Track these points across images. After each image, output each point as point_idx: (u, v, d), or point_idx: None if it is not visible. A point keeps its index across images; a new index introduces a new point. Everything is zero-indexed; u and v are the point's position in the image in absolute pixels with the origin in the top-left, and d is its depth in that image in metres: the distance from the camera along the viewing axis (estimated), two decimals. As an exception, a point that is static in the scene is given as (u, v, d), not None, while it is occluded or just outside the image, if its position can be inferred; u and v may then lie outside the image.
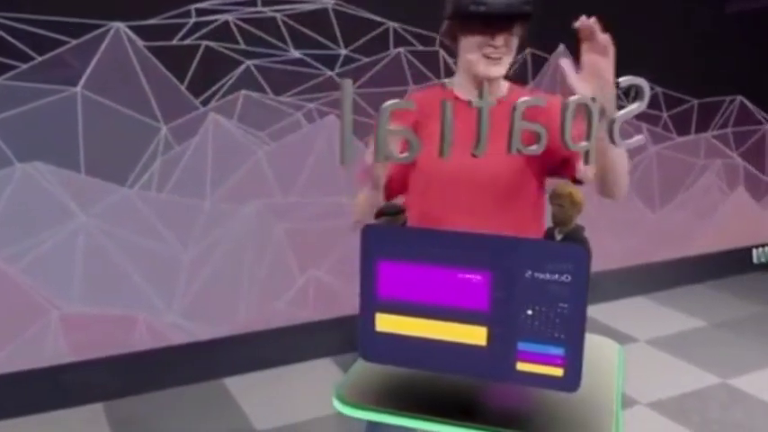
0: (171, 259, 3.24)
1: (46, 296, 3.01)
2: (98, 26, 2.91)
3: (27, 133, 2.86)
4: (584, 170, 1.91)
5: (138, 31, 2.97)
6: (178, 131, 3.14)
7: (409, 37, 3.57)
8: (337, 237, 3.49)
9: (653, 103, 4.43)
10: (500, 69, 1.62)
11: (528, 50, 3.91)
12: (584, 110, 1.03)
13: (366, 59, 3.48)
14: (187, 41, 3.08)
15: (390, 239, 0.84)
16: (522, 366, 0.81)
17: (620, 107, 1.13)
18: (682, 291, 4.72)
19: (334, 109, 3.45)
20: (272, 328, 3.49)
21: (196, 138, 3.18)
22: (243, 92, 3.24)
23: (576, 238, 1.02)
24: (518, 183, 1.68)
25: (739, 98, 4.83)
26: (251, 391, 3.31)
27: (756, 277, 5.06)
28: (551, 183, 1.10)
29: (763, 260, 5.17)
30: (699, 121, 4.69)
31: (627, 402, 3.25)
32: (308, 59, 3.35)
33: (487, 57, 1.62)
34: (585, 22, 1.34)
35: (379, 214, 1.09)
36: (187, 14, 3.06)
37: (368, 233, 0.84)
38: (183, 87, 3.11)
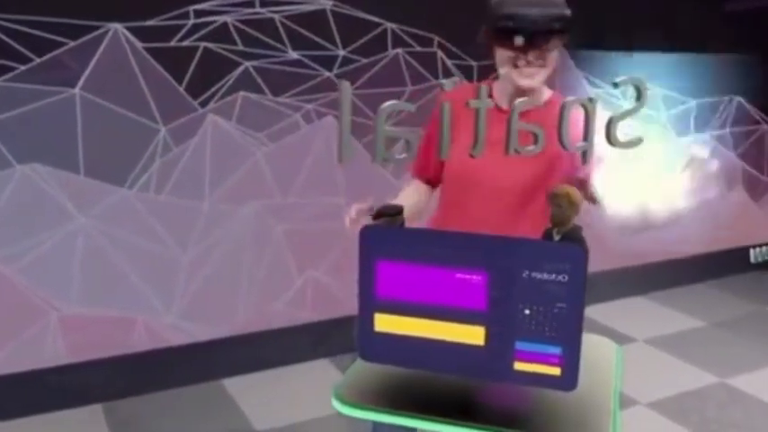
0: (170, 260, 3.24)
1: (45, 297, 3.02)
2: (96, 27, 2.91)
3: (26, 135, 2.86)
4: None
5: (136, 32, 2.97)
6: (177, 133, 3.14)
7: (407, 38, 3.57)
8: (336, 237, 3.49)
9: (651, 104, 4.44)
10: (533, 81, 1.63)
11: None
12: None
13: (364, 60, 3.49)
14: (186, 43, 3.08)
15: (389, 240, 0.84)
16: (519, 366, 0.81)
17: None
18: (680, 291, 4.72)
19: (333, 110, 3.45)
20: (271, 328, 3.49)
21: (195, 139, 3.19)
22: (241, 93, 3.24)
23: (573, 239, 1.03)
24: (537, 191, 1.68)
25: (737, 98, 4.84)
26: (250, 391, 3.31)
27: (755, 277, 5.07)
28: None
29: (760, 260, 5.17)
30: (697, 121, 4.69)
31: (626, 402, 3.26)
32: (307, 60, 3.35)
33: (520, 69, 1.64)
34: None
35: (378, 215, 1.09)
36: (186, 16, 3.06)
37: (366, 234, 0.85)
38: (181, 89, 3.11)
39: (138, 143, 3.08)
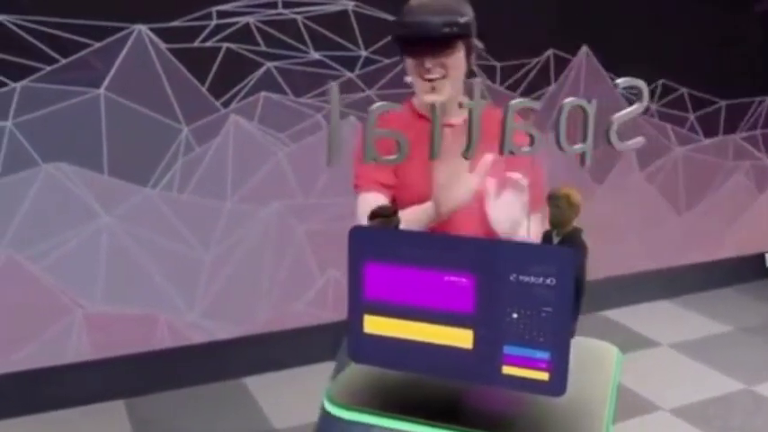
0: (192, 260, 3.27)
1: (70, 295, 3.07)
2: (121, 29, 2.95)
3: (51, 134, 2.91)
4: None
5: (160, 33, 3.01)
6: (199, 133, 3.17)
7: (430, 38, 3.56)
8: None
9: (679, 105, 4.38)
10: (439, 96, 1.60)
11: (550, 51, 3.88)
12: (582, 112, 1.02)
13: (386, 61, 3.48)
14: (208, 44, 3.11)
15: (377, 241, 0.84)
16: (507, 370, 0.80)
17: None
18: (708, 295, 4.64)
19: (355, 110, 3.45)
20: (292, 328, 3.51)
21: (217, 139, 3.22)
22: (263, 93, 3.26)
23: (573, 241, 1.02)
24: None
25: (768, 99, 4.74)
26: (270, 390, 3.33)
27: (786, 281, 4.96)
28: (549, 184, 1.10)
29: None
30: (727, 123, 4.61)
31: (649, 408, 3.22)
32: (328, 61, 3.36)
33: (424, 79, 1.62)
34: None
35: (373, 216, 1.09)
36: (208, 17, 3.09)
37: (355, 235, 0.85)
38: (204, 89, 3.14)
39: (161, 143, 3.12)
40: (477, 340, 0.81)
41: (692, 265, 4.65)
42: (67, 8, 2.84)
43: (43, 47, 2.84)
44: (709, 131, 4.55)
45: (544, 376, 0.78)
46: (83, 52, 2.91)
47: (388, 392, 0.89)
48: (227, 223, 3.30)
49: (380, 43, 3.45)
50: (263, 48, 3.21)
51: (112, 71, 2.97)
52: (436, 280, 0.81)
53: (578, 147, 0.99)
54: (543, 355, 0.78)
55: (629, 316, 4.22)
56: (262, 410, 3.16)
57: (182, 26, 3.05)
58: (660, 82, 4.26)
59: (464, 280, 0.80)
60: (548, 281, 0.76)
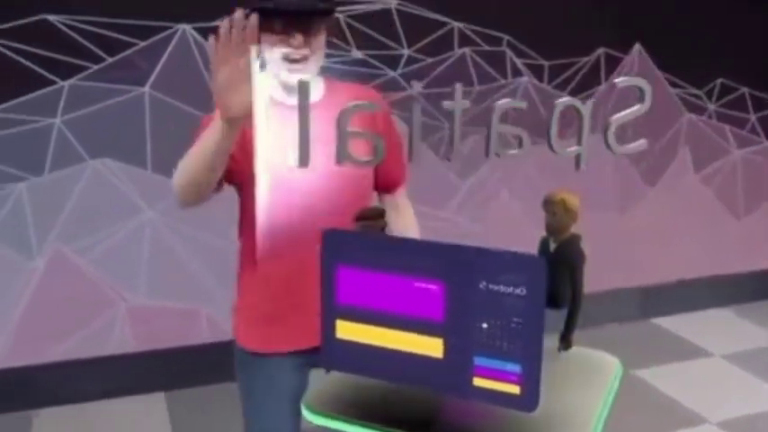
0: (233, 255, 3.30)
1: (114, 288, 3.14)
2: (166, 28, 3.00)
3: (98, 131, 2.99)
4: (401, 195, 1.85)
5: (203, 32, 3.05)
6: (241, 130, 3.20)
7: (475, 37, 3.51)
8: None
9: (739, 105, 4.20)
10: (304, 76, 1.46)
11: (601, 50, 3.78)
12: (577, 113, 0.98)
13: (430, 60, 3.45)
14: (251, 42, 3.13)
15: (351, 245, 0.83)
16: (478, 382, 0.77)
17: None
18: (766, 304, 4.44)
19: (397, 110, 3.43)
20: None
21: (259, 137, 3.24)
22: (305, 92, 3.27)
23: (570, 249, 0.97)
24: (353, 199, 1.52)
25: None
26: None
27: None
28: (545, 189, 1.05)
29: None
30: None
31: (695, 420, 3.10)
32: (371, 60, 3.35)
33: (288, 59, 1.50)
34: None
35: (358, 218, 1.07)
36: (251, 16, 3.11)
37: (328, 238, 0.83)
38: (246, 87, 3.17)
39: (204, 141, 3.15)
40: (447, 350, 0.78)
41: (750, 273, 4.46)
42: (115, 8, 2.91)
43: (91, 46, 2.91)
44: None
45: (515, 390, 0.75)
46: (128, 51, 2.97)
47: (365, 400, 0.87)
48: (268, 221, 3.32)
49: (424, 42, 3.42)
50: (305, 46, 3.22)
51: (157, 70, 3.02)
52: (407, 286, 0.78)
53: (573, 149, 0.95)
54: (514, 367, 0.75)
55: (680, 324, 4.08)
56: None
57: (225, 25, 3.08)
58: (718, 81, 4.10)
59: (434, 287, 0.77)
60: (518, 290, 0.73)
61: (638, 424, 3.01)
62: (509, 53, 3.59)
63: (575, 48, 3.72)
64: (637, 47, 3.84)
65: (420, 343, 0.80)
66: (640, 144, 1.00)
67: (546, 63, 3.68)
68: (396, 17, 3.34)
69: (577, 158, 0.95)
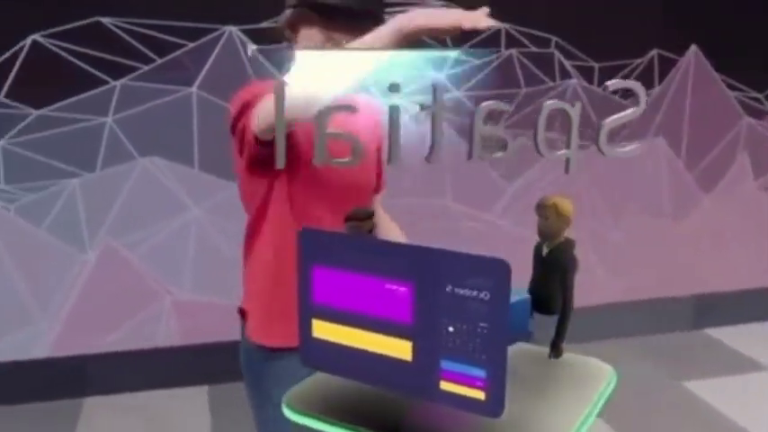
0: (276, 254, 3.36)
1: (161, 282, 3.23)
2: (213, 30, 3.07)
3: (147, 130, 3.08)
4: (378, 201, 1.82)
5: (249, 34, 3.11)
6: (286, 131, 3.25)
7: (523, 38, 3.47)
8: (444, 237, 3.46)
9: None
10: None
11: (654, 51, 3.68)
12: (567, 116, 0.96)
13: (477, 62, 3.43)
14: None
15: (326, 245, 0.83)
16: (445, 386, 0.77)
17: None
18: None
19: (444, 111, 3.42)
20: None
21: (303, 137, 3.28)
22: (350, 93, 3.29)
23: (562, 254, 0.95)
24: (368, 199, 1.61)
25: None
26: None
27: None
28: (541, 193, 1.03)
29: None
30: None
31: (743, 435, 2.99)
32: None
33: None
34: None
35: (347, 219, 1.07)
36: (297, 18, 3.15)
37: (303, 237, 0.84)
38: (291, 88, 3.21)
39: (249, 140, 3.21)
40: (415, 352, 0.78)
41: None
42: (164, 11, 2.99)
43: (141, 47, 3.01)
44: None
45: (480, 395, 0.74)
46: (177, 52, 3.05)
47: (345, 400, 0.88)
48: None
49: (471, 43, 3.39)
50: (350, 48, 3.24)
51: (204, 70, 3.10)
52: (377, 287, 0.78)
53: (561, 153, 0.93)
54: (479, 372, 0.74)
55: (734, 335, 3.93)
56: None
57: (270, 27, 3.13)
58: (779, 84, 3.95)
59: (402, 288, 0.77)
60: (482, 294, 0.72)
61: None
62: (557, 54, 3.54)
63: (626, 49, 3.63)
64: (693, 48, 3.73)
65: (390, 345, 0.80)
66: (634, 149, 0.97)
67: (596, 65, 3.61)
68: (441, 18, 3.33)
69: (567, 162, 0.93)
